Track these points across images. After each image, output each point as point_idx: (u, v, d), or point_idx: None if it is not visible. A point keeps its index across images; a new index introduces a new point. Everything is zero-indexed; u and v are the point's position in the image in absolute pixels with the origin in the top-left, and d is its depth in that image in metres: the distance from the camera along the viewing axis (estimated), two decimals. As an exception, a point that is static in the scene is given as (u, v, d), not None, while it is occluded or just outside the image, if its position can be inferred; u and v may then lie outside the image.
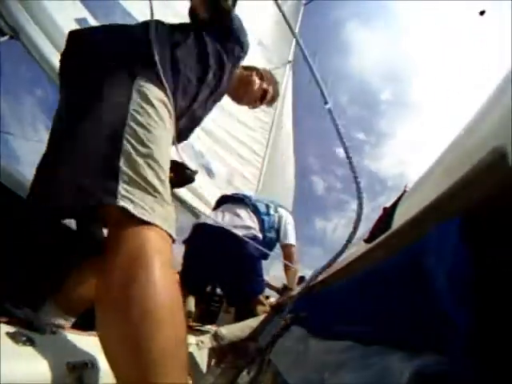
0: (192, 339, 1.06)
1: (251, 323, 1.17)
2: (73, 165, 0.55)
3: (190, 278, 1.65)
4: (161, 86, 0.65)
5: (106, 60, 0.65)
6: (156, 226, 0.55)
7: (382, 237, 0.40)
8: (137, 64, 0.65)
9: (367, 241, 0.45)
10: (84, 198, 0.53)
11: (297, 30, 3.27)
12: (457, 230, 0.24)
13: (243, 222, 1.76)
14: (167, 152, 0.64)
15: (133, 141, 0.57)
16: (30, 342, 0.49)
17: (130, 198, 0.54)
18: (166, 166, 0.62)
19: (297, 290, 1.04)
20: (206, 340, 1.10)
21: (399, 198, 0.43)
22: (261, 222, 1.83)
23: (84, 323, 0.75)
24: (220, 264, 1.65)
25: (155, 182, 0.58)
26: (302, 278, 1.83)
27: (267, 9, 3.05)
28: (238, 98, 1.20)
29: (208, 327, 1.58)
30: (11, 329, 0.50)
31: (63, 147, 0.56)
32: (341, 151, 0.54)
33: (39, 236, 0.80)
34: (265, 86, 1.19)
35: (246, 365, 0.75)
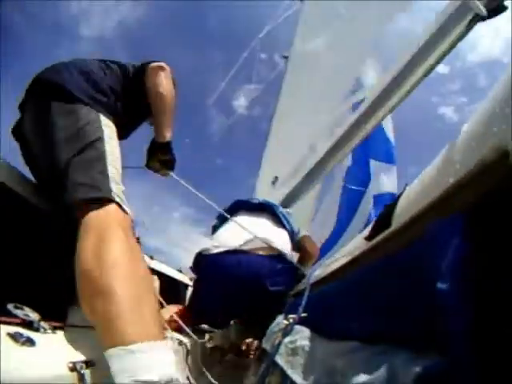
0: (191, 340, 1.06)
1: None
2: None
3: (207, 315, 1.23)
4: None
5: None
6: (114, 202, 0.72)
7: (383, 235, 0.40)
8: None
9: (368, 239, 0.45)
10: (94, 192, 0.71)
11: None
12: (458, 228, 0.24)
13: (282, 246, 1.26)
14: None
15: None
16: (31, 342, 0.49)
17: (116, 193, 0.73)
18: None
19: (296, 288, 1.04)
20: (216, 337, 1.09)
21: (399, 196, 0.43)
22: (291, 239, 1.38)
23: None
24: (245, 304, 1.18)
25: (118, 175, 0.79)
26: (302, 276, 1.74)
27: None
28: None
29: (205, 326, 1.56)
30: (12, 329, 0.50)
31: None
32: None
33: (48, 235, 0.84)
34: None
35: (254, 365, 0.75)
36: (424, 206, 0.31)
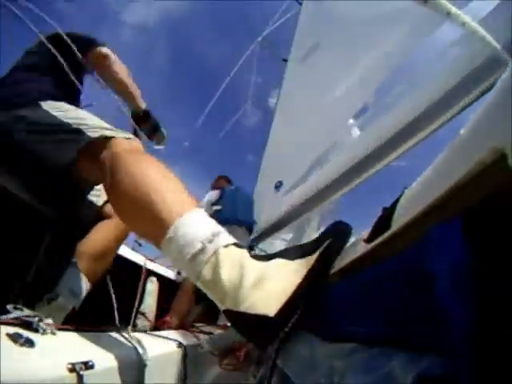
0: (191, 341, 1.06)
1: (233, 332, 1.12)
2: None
3: None
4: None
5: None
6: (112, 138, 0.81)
7: (382, 237, 0.40)
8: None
9: (367, 241, 0.45)
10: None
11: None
12: (457, 229, 0.24)
13: None
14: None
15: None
16: (30, 342, 0.49)
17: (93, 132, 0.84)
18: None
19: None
20: (205, 345, 1.09)
21: (399, 198, 0.43)
22: None
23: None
24: None
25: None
26: None
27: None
28: None
29: (209, 328, 1.57)
30: (11, 329, 0.50)
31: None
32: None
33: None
34: None
35: (255, 367, 0.74)
36: (423, 208, 0.31)
